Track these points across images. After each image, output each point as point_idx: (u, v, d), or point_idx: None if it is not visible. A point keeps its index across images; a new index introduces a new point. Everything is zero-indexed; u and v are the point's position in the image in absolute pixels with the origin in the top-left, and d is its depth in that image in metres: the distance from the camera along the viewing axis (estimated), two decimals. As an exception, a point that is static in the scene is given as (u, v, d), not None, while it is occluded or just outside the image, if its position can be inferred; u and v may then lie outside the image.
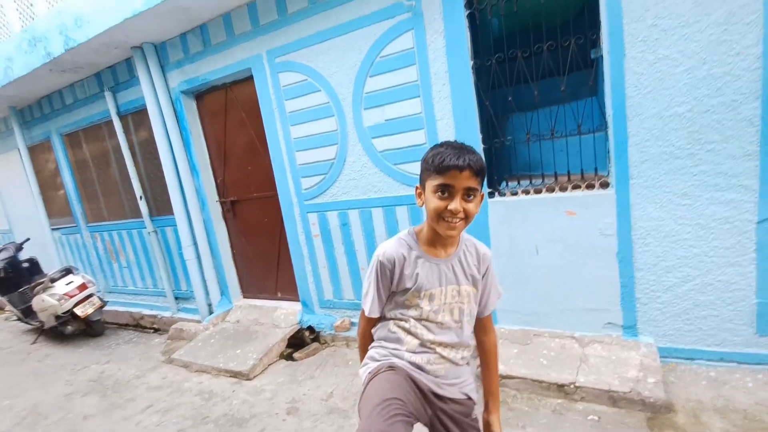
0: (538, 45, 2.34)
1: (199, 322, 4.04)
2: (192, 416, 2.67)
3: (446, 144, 1.09)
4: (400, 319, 1.19)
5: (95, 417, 2.86)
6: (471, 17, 2.44)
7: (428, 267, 1.16)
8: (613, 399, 2.11)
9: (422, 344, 1.18)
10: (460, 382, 1.23)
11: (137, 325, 4.83)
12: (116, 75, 4.05)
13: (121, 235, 4.82)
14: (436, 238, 1.16)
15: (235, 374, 3.08)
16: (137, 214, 4.44)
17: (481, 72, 2.52)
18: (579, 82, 2.37)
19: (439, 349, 1.19)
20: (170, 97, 3.72)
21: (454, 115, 2.57)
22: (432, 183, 1.07)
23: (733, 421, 1.89)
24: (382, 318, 1.25)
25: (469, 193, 1.06)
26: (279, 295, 3.90)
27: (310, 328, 3.48)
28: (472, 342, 1.28)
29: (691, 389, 2.13)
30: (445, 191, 1.05)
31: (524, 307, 2.67)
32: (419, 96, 2.65)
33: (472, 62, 2.47)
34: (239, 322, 3.83)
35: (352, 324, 3.34)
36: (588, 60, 2.30)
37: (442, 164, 1.04)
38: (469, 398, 1.26)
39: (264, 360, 3.16)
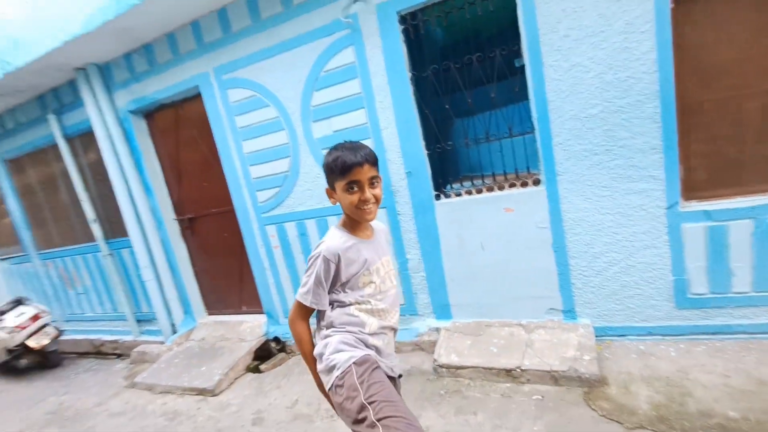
0: (468, 57, 2.52)
1: (162, 343, 3.98)
2: (156, 437, 2.66)
3: (340, 147, 1.28)
4: (361, 303, 1.34)
5: (54, 449, 2.78)
6: (406, 32, 2.60)
7: (365, 247, 1.36)
8: (554, 378, 2.29)
9: (381, 325, 1.37)
10: (396, 362, 1.46)
11: (98, 352, 4.67)
12: (60, 97, 3.95)
13: (76, 261, 4.67)
14: (357, 225, 1.37)
15: (201, 392, 3.08)
16: (91, 237, 4.32)
17: (421, 82, 2.68)
18: (508, 88, 2.56)
19: (390, 323, 1.40)
20: (118, 117, 3.68)
21: (397, 124, 2.71)
22: (341, 183, 1.26)
23: (656, 388, 2.10)
24: (338, 304, 1.35)
25: (372, 182, 1.27)
26: (244, 308, 3.91)
27: (276, 339, 3.52)
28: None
29: (622, 363, 2.34)
30: (354, 186, 1.26)
31: (476, 300, 2.83)
32: (364, 107, 2.77)
33: (410, 74, 2.62)
34: (204, 340, 3.81)
35: (317, 331, 3.40)
36: (514, 69, 2.50)
37: (345, 165, 1.23)
38: (400, 376, 1.48)
39: (230, 374, 3.18)
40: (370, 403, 1.20)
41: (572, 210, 2.45)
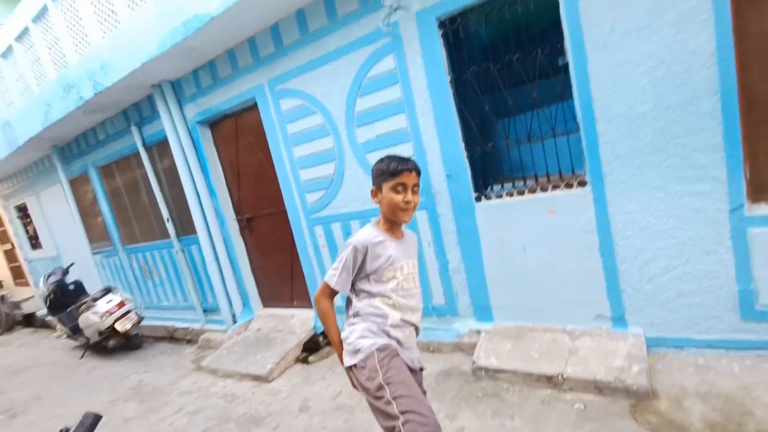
0: (508, 57, 2.49)
1: (224, 331, 4.37)
2: (216, 416, 2.95)
3: (391, 156, 1.49)
4: (384, 296, 1.49)
5: (134, 420, 3.20)
6: (445, 36, 2.63)
7: (395, 245, 1.51)
8: (599, 388, 2.21)
9: (402, 318, 1.50)
10: (417, 356, 1.61)
11: (172, 337, 5.23)
12: (140, 111, 4.48)
13: (153, 255, 5.26)
14: (392, 226, 1.53)
15: (256, 378, 3.35)
16: (166, 235, 4.85)
17: (461, 85, 2.70)
18: (552, 87, 2.49)
19: (411, 319, 1.53)
20: (187, 128, 4.09)
21: (436, 128, 2.75)
22: (389, 183, 1.45)
23: (713, 405, 1.95)
24: (365, 295, 1.50)
25: (415, 189, 1.48)
26: (295, 303, 4.17)
27: (324, 333, 3.71)
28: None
29: (676, 376, 2.19)
30: (400, 188, 1.44)
31: (517, 303, 2.79)
32: (404, 112, 2.85)
33: (449, 77, 2.65)
34: (260, 330, 4.12)
35: (361, 327, 3.55)
36: (557, 67, 2.43)
37: (396, 169, 1.44)
38: (421, 369, 1.64)
39: (281, 364, 3.42)
40: (387, 384, 1.37)
41: (621, 212, 2.34)
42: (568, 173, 2.54)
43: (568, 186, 2.49)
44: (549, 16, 2.33)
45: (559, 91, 2.42)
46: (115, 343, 4.81)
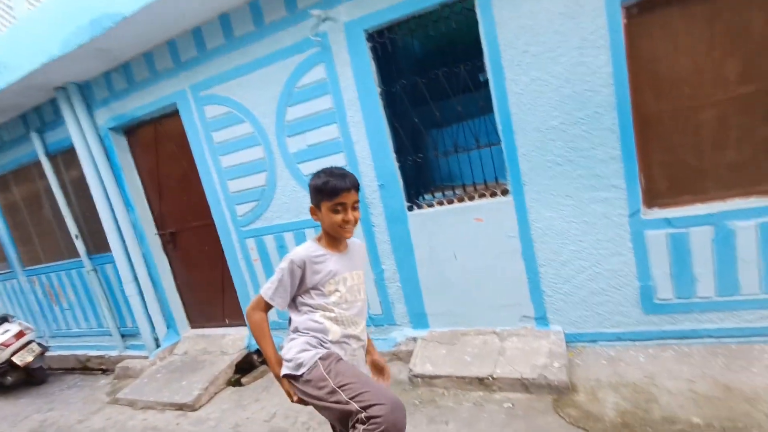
0: (434, 71, 2.58)
1: (146, 357, 3.99)
2: (134, 454, 2.66)
3: (328, 171, 1.43)
4: (326, 310, 1.45)
5: (32, 468, 2.78)
6: (374, 49, 2.66)
7: (336, 259, 1.48)
8: (525, 386, 2.32)
9: (344, 333, 1.47)
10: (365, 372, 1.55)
11: (84, 367, 4.67)
12: (42, 115, 4.00)
13: (60, 277, 4.68)
14: (334, 241, 1.50)
15: (180, 407, 3.08)
16: (75, 253, 4.34)
17: (391, 96, 2.74)
18: (475, 101, 2.62)
19: (355, 332, 1.50)
20: (98, 135, 3.72)
21: (368, 138, 2.77)
22: (328, 204, 1.41)
23: (623, 394, 2.13)
24: (306, 309, 1.46)
25: (354, 205, 1.44)
26: (227, 321, 3.93)
27: (258, 351, 3.53)
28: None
29: (592, 369, 2.37)
30: (339, 208, 1.40)
31: (451, 309, 2.86)
32: (336, 122, 2.83)
33: (379, 89, 2.68)
34: (187, 354, 3.82)
35: (298, 343, 3.43)
36: (479, 82, 2.56)
37: (335, 189, 1.38)
38: None
39: (210, 389, 3.19)
40: (339, 387, 1.33)
41: (539, 219, 2.50)
42: (493, 182, 2.68)
43: (493, 195, 2.62)
44: (471, 34, 2.45)
45: (480, 105, 2.55)
46: (14, 380, 4.20)
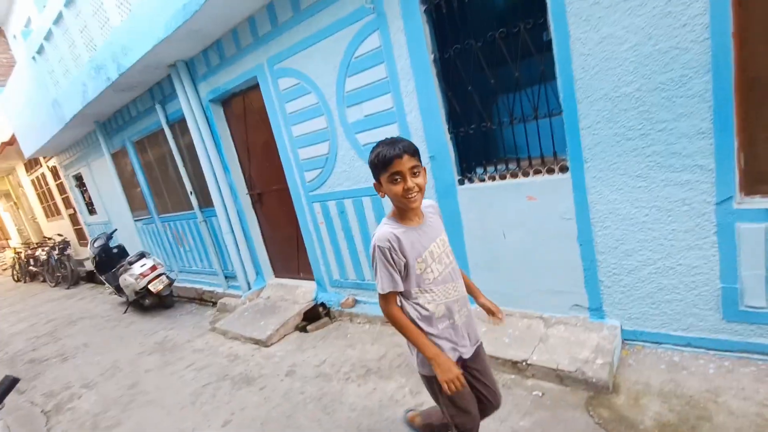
0: (490, 33, 2.36)
1: (239, 297, 4.72)
2: (217, 374, 3.27)
3: (381, 143, 1.36)
4: (426, 291, 1.42)
5: (153, 371, 3.62)
6: (429, 12, 2.52)
7: (416, 234, 1.41)
8: (559, 377, 2.19)
9: (447, 305, 1.45)
10: (474, 331, 1.56)
11: (201, 299, 5.72)
12: (163, 89, 4.75)
13: (182, 225, 5.70)
14: (406, 213, 1.42)
15: (257, 341, 3.64)
16: (191, 206, 5.22)
17: (446, 64, 2.60)
18: (537, 66, 2.34)
19: (454, 296, 1.47)
20: (202, 106, 4.30)
21: (420, 108, 2.70)
22: (385, 176, 1.34)
23: (672, 405, 1.88)
24: (408, 295, 1.43)
25: (414, 171, 1.32)
26: (300, 274, 4.39)
27: (323, 305, 3.91)
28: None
29: (645, 372, 2.12)
30: (397, 177, 1.32)
31: (496, 287, 2.76)
32: (390, 92, 2.81)
33: (431, 56, 2.56)
34: (269, 298, 4.41)
35: (356, 301, 3.70)
36: (542, 43, 2.27)
37: (386, 159, 1.31)
38: (479, 342, 1.60)
39: (281, 331, 3.67)
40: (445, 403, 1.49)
41: (601, 201, 2.21)
42: (550, 157, 2.42)
43: (549, 172, 2.38)
44: (533, -13, 2.16)
45: (542, 70, 2.28)
46: (150, 302, 5.38)
